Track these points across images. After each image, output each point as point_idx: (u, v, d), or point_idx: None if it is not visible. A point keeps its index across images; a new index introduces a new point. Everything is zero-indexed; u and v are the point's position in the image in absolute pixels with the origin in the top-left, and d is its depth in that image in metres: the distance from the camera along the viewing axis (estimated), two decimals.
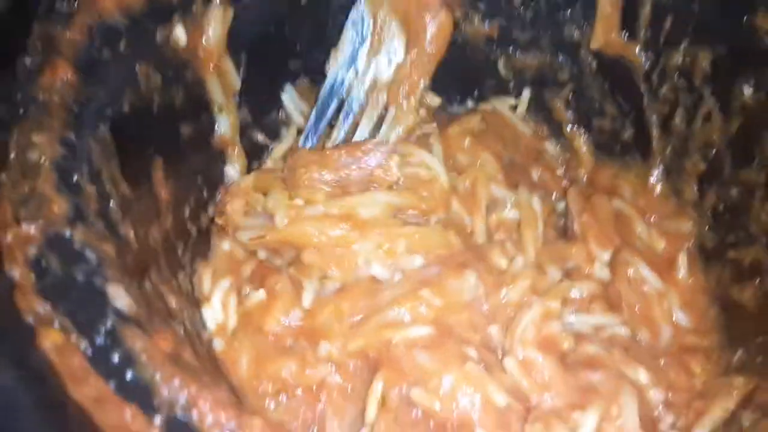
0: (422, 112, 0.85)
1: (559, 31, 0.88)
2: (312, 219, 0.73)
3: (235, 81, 0.80)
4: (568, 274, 0.74)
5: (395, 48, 0.83)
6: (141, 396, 0.46)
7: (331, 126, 0.86)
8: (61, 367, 0.46)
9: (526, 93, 0.93)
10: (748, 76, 0.72)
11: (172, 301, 0.62)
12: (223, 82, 0.78)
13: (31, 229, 0.51)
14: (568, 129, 0.92)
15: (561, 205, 0.84)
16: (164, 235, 0.68)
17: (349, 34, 0.84)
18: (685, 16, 0.77)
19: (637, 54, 0.83)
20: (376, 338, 0.67)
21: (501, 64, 0.92)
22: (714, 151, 0.77)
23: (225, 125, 0.79)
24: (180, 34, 0.71)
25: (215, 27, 0.74)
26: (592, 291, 0.73)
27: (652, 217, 0.82)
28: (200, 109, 0.77)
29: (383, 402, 0.63)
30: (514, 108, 0.93)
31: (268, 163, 0.87)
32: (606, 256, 0.76)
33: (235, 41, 0.77)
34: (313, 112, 0.86)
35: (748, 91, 0.72)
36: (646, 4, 0.79)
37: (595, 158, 0.90)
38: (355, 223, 0.73)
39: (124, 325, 0.49)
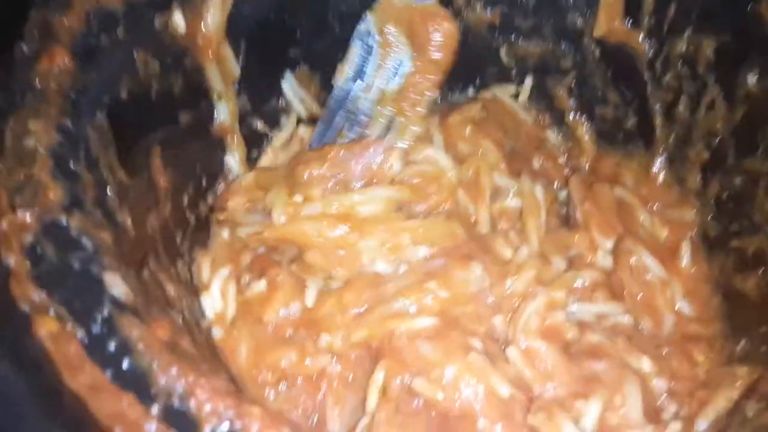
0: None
1: (561, 19, 0.87)
2: (310, 219, 0.73)
3: (235, 68, 0.79)
4: (571, 263, 0.74)
5: (402, 59, 0.83)
6: (138, 385, 0.45)
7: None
8: (57, 355, 0.45)
9: (528, 81, 0.92)
10: (753, 64, 0.71)
11: (171, 290, 0.61)
12: (222, 69, 0.77)
13: (26, 216, 0.50)
14: (571, 117, 0.91)
15: (563, 194, 0.83)
16: (162, 224, 0.67)
17: (356, 47, 0.85)
18: (689, 4, 0.77)
19: (641, 42, 0.82)
20: (380, 329, 0.66)
21: (503, 52, 0.92)
22: (718, 139, 0.77)
23: (224, 113, 0.79)
24: (179, 20, 0.70)
25: (214, 13, 0.73)
26: (595, 279, 0.72)
27: (655, 205, 0.82)
28: (199, 96, 0.76)
29: (384, 391, 0.63)
30: (515, 96, 0.93)
31: (268, 152, 0.87)
32: (609, 244, 0.75)
33: (234, 28, 0.77)
34: (320, 124, 0.86)
35: (752, 79, 0.72)
36: None
37: (598, 147, 0.90)
38: (355, 223, 0.72)
39: (120, 314, 0.48)
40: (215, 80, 0.77)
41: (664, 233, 0.79)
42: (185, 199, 0.74)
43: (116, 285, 0.49)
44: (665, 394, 0.65)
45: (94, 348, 0.46)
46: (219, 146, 0.80)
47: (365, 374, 0.65)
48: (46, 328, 0.46)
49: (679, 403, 0.64)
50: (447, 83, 0.90)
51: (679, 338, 0.71)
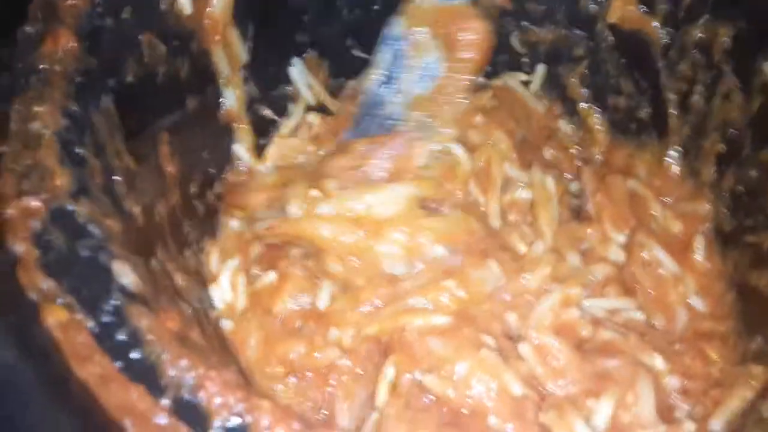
0: None
1: (574, 4, 0.86)
2: (324, 220, 0.71)
3: (242, 53, 0.79)
4: (583, 256, 0.74)
5: (432, 61, 0.82)
6: (147, 376, 0.45)
7: None
8: (65, 344, 0.45)
9: (540, 68, 0.91)
10: None
11: (179, 280, 0.61)
12: (229, 53, 0.76)
13: (34, 202, 0.50)
14: (583, 107, 0.90)
15: (574, 185, 0.83)
16: (170, 212, 0.67)
17: (384, 51, 0.84)
18: None
19: (655, 28, 0.81)
20: (392, 324, 0.66)
21: (514, 38, 0.90)
22: (733, 130, 0.76)
23: (231, 99, 0.78)
24: (184, 1, 0.69)
25: None
26: (607, 274, 0.72)
27: (668, 198, 0.81)
28: (206, 81, 0.75)
29: (394, 387, 0.63)
30: (527, 84, 0.91)
31: (275, 140, 0.85)
32: (621, 237, 0.75)
33: (241, 12, 0.76)
34: (349, 129, 0.84)
35: None
36: None
37: (610, 137, 0.89)
38: (371, 227, 0.70)
39: (129, 303, 0.48)
40: (222, 64, 0.76)
41: (677, 227, 0.78)
42: (193, 188, 0.73)
43: (125, 274, 0.49)
44: (678, 393, 0.64)
45: (104, 338, 0.46)
46: (226, 133, 0.80)
47: (375, 368, 0.65)
48: (54, 316, 0.46)
49: (692, 401, 0.64)
50: None
51: (692, 335, 0.70)
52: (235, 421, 0.45)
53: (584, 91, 0.90)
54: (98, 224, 0.50)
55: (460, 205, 0.75)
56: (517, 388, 0.61)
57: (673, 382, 0.64)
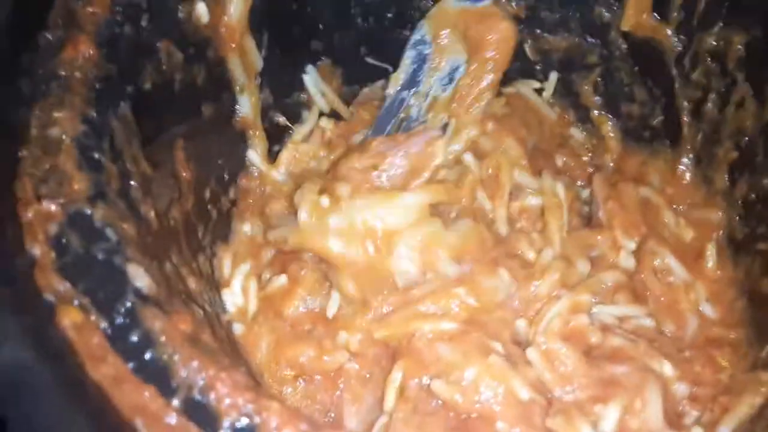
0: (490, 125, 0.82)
1: (588, 12, 0.86)
2: (336, 233, 0.69)
3: (257, 60, 0.79)
4: (593, 263, 0.73)
5: (456, 64, 0.83)
6: (159, 377, 0.46)
7: None
8: (80, 345, 0.46)
9: (553, 76, 0.91)
10: None
11: (192, 283, 0.61)
12: (244, 61, 0.77)
13: (51, 206, 0.50)
14: (596, 114, 0.90)
15: (585, 192, 0.82)
16: (185, 217, 0.67)
17: (409, 56, 0.84)
18: None
19: (669, 36, 0.81)
20: (403, 330, 0.66)
21: (528, 46, 0.90)
22: (746, 138, 0.76)
23: (246, 106, 0.79)
24: (202, 10, 0.70)
25: (237, 4, 0.73)
26: (617, 280, 0.71)
27: (681, 206, 0.81)
28: (222, 88, 0.76)
29: (402, 392, 0.63)
30: (540, 92, 0.92)
31: (288, 145, 0.86)
32: (632, 245, 0.74)
33: (257, 20, 0.77)
34: (370, 133, 0.85)
35: None
36: None
37: (623, 145, 0.89)
38: (384, 241, 0.68)
39: (143, 305, 0.48)
40: (238, 72, 0.77)
41: (689, 234, 0.78)
42: (207, 193, 0.74)
43: (139, 277, 0.50)
44: (687, 399, 0.64)
45: (117, 339, 0.46)
46: (241, 140, 0.80)
47: (382, 372, 0.65)
48: (69, 318, 0.46)
49: (701, 408, 0.63)
50: None
51: (703, 342, 0.70)
52: (244, 421, 0.45)
53: (597, 99, 0.90)
54: (114, 228, 0.51)
55: (467, 211, 0.74)
56: (525, 393, 0.61)
57: (682, 388, 0.64)
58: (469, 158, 0.78)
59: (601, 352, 0.65)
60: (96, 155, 0.54)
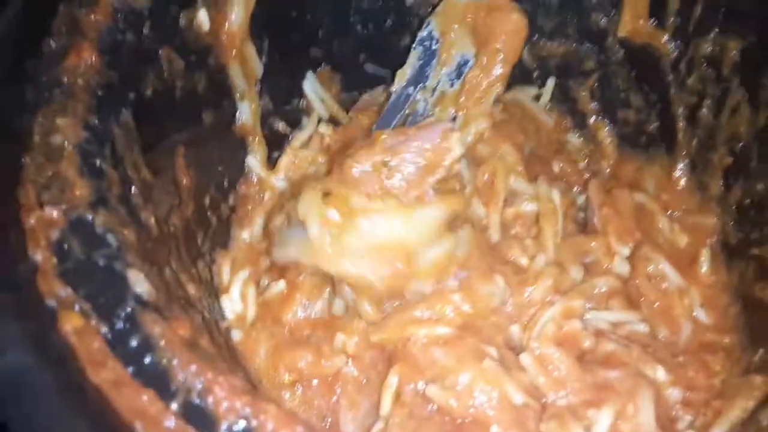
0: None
1: (585, 18, 0.86)
2: (353, 254, 0.65)
3: (257, 67, 0.80)
4: (587, 269, 0.74)
5: (464, 59, 0.82)
6: (158, 381, 0.46)
7: None
8: (81, 350, 0.46)
9: (551, 82, 0.91)
10: None
11: (191, 289, 0.62)
12: (245, 68, 0.78)
13: (54, 212, 0.51)
14: (592, 120, 0.91)
15: (581, 198, 0.83)
16: (185, 223, 0.68)
17: (417, 52, 0.84)
18: (715, 4, 0.76)
19: (665, 42, 0.81)
20: (399, 334, 0.66)
21: (525, 52, 0.90)
22: (741, 144, 0.76)
23: (246, 113, 0.79)
24: (203, 18, 0.71)
25: (238, 11, 0.74)
26: (611, 286, 0.72)
27: (676, 211, 0.81)
28: (222, 95, 0.77)
29: (398, 397, 0.63)
30: (537, 98, 0.92)
31: (288, 151, 0.86)
32: (626, 250, 0.75)
33: (257, 27, 0.77)
34: (375, 127, 0.84)
35: None
36: None
37: (619, 151, 0.89)
38: (403, 262, 0.66)
39: (143, 311, 0.49)
40: (238, 79, 0.77)
41: (684, 240, 0.78)
42: (207, 200, 0.74)
43: (139, 282, 0.50)
44: (680, 404, 0.64)
45: (117, 344, 0.47)
46: (241, 146, 0.81)
47: (378, 377, 0.66)
48: (71, 323, 0.47)
49: (694, 413, 0.64)
50: None
51: (696, 347, 0.70)
52: (241, 424, 0.46)
53: (594, 105, 0.90)
54: (115, 234, 0.51)
55: (462, 217, 0.74)
56: (519, 398, 0.61)
57: (675, 393, 0.64)
58: (462, 166, 0.78)
59: (594, 357, 0.65)
60: (97, 162, 0.55)
